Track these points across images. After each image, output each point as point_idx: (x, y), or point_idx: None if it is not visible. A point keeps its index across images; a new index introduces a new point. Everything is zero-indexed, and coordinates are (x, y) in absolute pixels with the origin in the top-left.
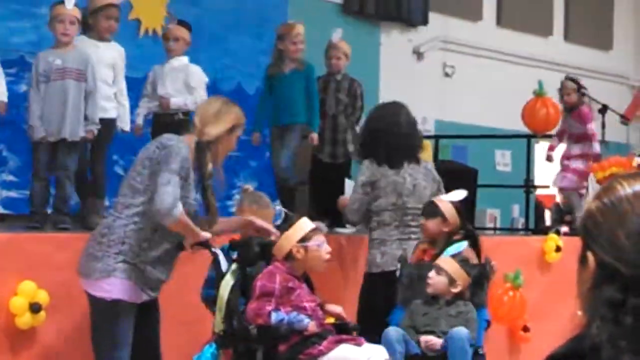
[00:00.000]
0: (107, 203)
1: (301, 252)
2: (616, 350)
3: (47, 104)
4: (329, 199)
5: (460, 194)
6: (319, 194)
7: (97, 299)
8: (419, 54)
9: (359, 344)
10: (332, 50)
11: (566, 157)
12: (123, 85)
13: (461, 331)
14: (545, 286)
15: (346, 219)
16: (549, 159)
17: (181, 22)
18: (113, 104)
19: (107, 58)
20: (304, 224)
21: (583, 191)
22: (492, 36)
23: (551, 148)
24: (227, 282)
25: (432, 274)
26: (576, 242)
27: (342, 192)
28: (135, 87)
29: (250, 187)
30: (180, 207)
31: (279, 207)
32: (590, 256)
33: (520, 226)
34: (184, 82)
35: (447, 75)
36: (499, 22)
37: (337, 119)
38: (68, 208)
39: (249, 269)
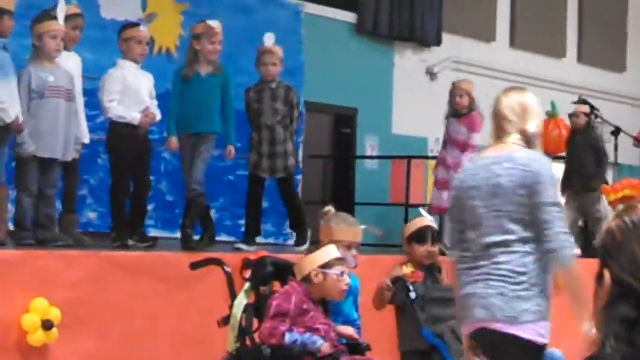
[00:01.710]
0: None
1: (319, 277)
2: None
3: (39, 122)
4: (291, 217)
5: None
6: (257, 212)
7: (526, 341)
8: (432, 74)
9: None
10: (266, 56)
11: None
12: (80, 96)
13: (555, 352)
14: (556, 309)
15: None
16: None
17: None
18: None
19: (75, 68)
20: (330, 251)
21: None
22: (505, 57)
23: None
24: (240, 301)
25: None
26: (588, 263)
27: (299, 206)
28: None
29: (331, 208)
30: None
31: (364, 225)
32: (606, 274)
33: None
34: None
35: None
36: (512, 43)
37: (274, 130)
38: (55, 225)
39: (262, 289)
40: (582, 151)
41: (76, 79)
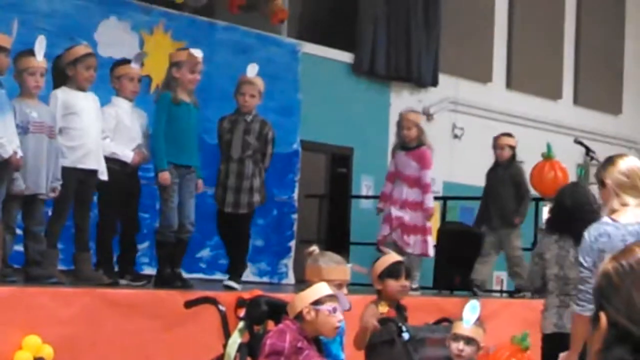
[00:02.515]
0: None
1: (312, 314)
2: None
3: (24, 157)
4: (233, 252)
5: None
6: (230, 247)
7: None
8: (428, 115)
9: None
10: (245, 86)
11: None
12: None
13: None
14: None
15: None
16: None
17: None
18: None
19: (94, 108)
20: (321, 288)
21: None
22: (502, 98)
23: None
24: (234, 340)
25: (461, 345)
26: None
27: (245, 245)
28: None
29: (316, 248)
30: None
31: (350, 264)
32: (602, 316)
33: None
34: None
35: (456, 136)
36: (509, 84)
37: (243, 163)
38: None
39: (257, 328)
40: (503, 185)
41: (96, 119)
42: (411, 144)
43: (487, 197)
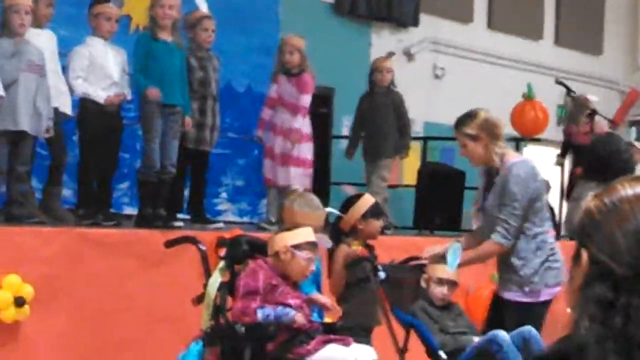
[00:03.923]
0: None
1: (287, 255)
2: (603, 351)
3: (10, 96)
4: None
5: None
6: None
7: None
8: (409, 55)
9: (346, 344)
10: (206, 22)
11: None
12: (59, 68)
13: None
14: None
15: None
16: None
17: None
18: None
19: (48, 45)
20: (305, 233)
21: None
22: (483, 38)
23: None
24: (215, 280)
25: (446, 290)
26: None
27: (203, 185)
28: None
29: (298, 188)
30: None
31: (329, 209)
32: (584, 254)
33: None
34: None
35: (437, 77)
36: (490, 24)
37: (216, 101)
38: (31, 202)
39: (237, 267)
40: (382, 114)
41: (51, 56)
42: (293, 70)
43: (362, 125)
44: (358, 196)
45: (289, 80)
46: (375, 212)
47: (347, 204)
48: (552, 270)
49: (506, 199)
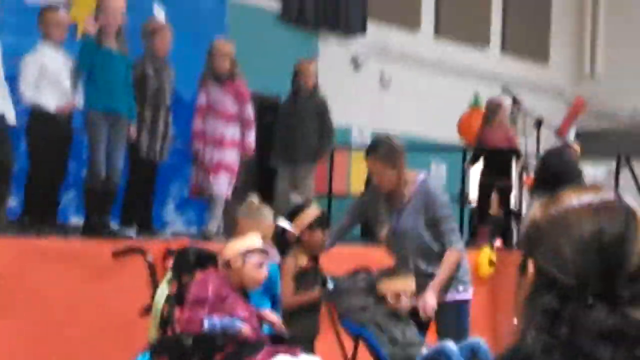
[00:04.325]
0: None
1: (238, 263)
2: None
3: None
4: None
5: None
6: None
7: None
8: (356, 63)
9: (294, 355)
10: (163, 31)
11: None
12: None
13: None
14: (479, 300)
15: None
16: None
17: None
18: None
19: None
20: (253, 240)
21: None
22: (430, 46)
23: None
24: (162, 291)
25: (407, 301)
26: (509, 255)
27: (151, 195)
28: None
29: (255, 200)
30: None
31: (282, 221)
32: (530, 264)
33: None
34: None
35: (384, 85)
36: (437, 31)
37: (169, 111)
38: None
39: (185, 278)
40: (304, 118)
41: None
42: (223, 76)
43: (284, 132)
44: (304, 206)
45: (220, 86)
46: (320, 223)
47: (292, 214)
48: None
49: (440, 210)
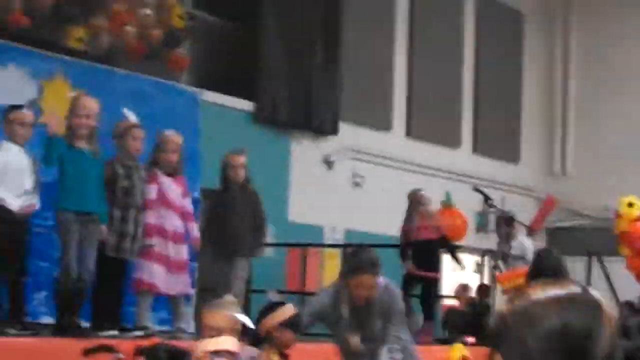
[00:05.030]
0: None
1: None
2: None
3: None
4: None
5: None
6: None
7: None
8: (329, 163)
9: None
10: (135, 131)
11: None
12: None
13: None
14: None
15: None
16: None
17: None
18: None
19: None
20: (226, 341)
21: None
22: (402, 146)
23: None
24: None
25: None
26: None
27: (121, 293)
28: (49, 189)
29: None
30: None
31: (242, 317)
32: (497, 357)
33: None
34: None
35: (357, 184)
36: (409, 132)
37: (140, 212)
38: None
39: None
40: (237, 212)
41: None
42: (170, 170)
43: (216, 221)
44: (280, 304)
45: (172, 180)
46: (292, 323)
47: (268, 309)
48: None
49: (396, 317)
